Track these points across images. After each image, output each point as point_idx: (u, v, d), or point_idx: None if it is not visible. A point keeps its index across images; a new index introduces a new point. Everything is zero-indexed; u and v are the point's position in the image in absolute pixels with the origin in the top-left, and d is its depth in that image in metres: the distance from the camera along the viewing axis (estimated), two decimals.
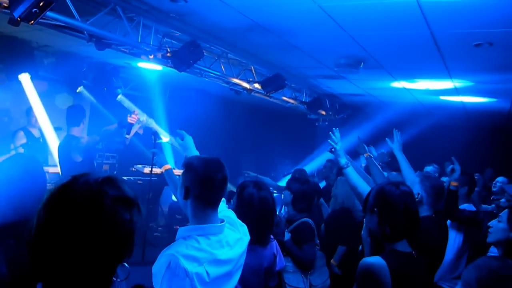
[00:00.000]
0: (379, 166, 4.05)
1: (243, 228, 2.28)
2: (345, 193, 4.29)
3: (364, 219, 2.35)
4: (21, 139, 6.14)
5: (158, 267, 1.88)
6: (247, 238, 2.25)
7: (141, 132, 7.64)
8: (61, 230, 1.08)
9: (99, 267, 1.12)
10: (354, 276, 2.12)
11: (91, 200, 1.11)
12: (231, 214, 2.33)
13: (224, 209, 2.29)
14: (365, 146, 4.27)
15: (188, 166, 2.08)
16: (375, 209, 2.18)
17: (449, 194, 3.84)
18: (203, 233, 2.01)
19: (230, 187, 2.67)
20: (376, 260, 2.03)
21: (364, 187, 3.08)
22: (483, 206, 5.04)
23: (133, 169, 7.25)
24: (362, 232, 2.35)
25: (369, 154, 4.09)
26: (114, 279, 1.18)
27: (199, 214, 2.05)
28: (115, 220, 1.12)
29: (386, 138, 4.06)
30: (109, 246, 1.12)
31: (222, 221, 2.12)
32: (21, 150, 5.95)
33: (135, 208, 1.18)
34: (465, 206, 4.24)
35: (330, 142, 3.35)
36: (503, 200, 4.89)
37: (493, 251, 3.30)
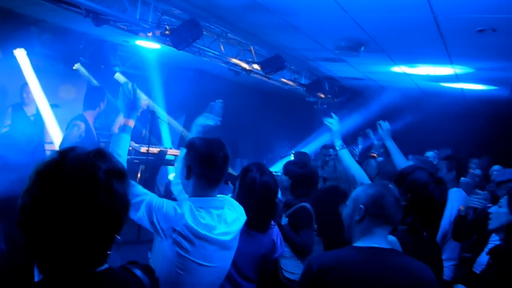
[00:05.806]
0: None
1: (240, 209, 2.27)
2: (344, 175, 4.23)
3: None
4: (8, 118, 6.04)
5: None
6: (243, 218, 2.25)
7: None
8: (58, 206, 1.06)
9: (98, 240, 1.13)
10: None
11: (87, 175, 1.10)
12: (227, 197, 2.32)
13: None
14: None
15: (190, 146, 2.12)
16: None
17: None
18: (204, 205, 2.04)
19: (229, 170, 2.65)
20: None
21: (357, 169, 3.24)
22: (476, 190, 4.92)
23: (130, 148, 7.19)
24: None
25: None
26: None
27: (200, 192, 2.07)
28: (111, 193, 1.12)
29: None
30: (107, 219, 1.12)
31: None
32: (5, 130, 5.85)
33: (126, 180, 1.18)
34: (455, 191, 4.04)
35: (326, 122, 3.35)
36: None
37: (493, 240, 3.29)
